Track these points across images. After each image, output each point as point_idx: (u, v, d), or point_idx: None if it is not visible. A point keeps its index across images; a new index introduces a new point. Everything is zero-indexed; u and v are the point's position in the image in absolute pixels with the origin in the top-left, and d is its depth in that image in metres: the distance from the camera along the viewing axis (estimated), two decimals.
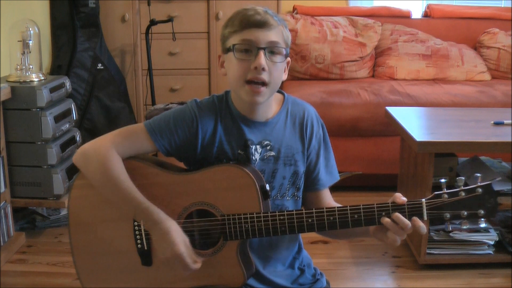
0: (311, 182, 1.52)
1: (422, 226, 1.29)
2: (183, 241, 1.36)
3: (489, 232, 2.51)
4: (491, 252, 2.50)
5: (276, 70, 1.38)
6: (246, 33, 1.36)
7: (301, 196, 1.52)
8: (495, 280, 2.45)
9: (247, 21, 1.36)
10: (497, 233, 2.51)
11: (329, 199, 1.55)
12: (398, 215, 1.29)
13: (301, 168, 1.49)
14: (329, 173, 1.54)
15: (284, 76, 1.45)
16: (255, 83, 1.36)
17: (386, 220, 1.29)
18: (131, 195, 1.38)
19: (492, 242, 2.49)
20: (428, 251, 2.48)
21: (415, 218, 1.29)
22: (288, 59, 1.45)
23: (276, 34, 1.38)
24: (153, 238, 1.40)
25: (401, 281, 2.45)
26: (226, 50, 1.41)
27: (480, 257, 2.50)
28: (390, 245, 1.32)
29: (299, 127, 1.50)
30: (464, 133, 2.48)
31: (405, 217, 1.29)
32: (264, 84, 1.37)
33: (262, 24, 1.36)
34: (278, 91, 1.52)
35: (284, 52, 1.40)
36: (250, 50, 1.36)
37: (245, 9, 1.39)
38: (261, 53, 1.35)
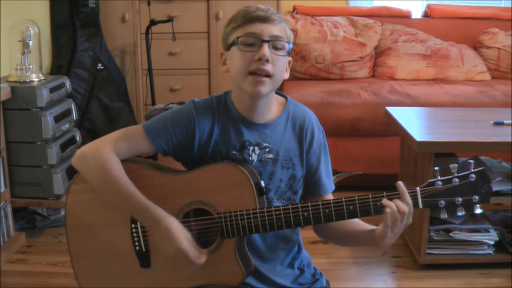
0: (312, 187, 1.52)
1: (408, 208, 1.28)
2: (186, 237, 1.36)
3: (489, 232, 2.51)
4: (491, 252, 2.50)
5: (279, 63, 1.39)
6: (250, 26, 1.37)
7: (298, 201, 1.51)
8: (495, 280, 2.45)
9: (250, 16, 1.38)
10: (497, 233, 2.51)
11: None
12: (395, 200, 1.29)
13: (299, 172, 1.49)
14: (328, 179, 1.54)
15: (286, 75, 1.45)
16: (258, 74, 1.37)
17: (386, 201, 1.29)
18: (131, 195, 1.38)
19: (492, 242, 2.49)
20: (428, 251, 2.48)
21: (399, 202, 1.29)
22: (290, 58, 1.46)
23: (279, 29, 1.39)
24: (154, 237, 1.40)
25: (401, 281, 2.45)
26: (229, 46, 1.42)
27: (480, 257, 2.50)
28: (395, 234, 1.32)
29: (299, 131, 1.49)
30: (464, 133, 2.48)
31: None
32: (267, 75, 1.37)
33: (265, 19, 1.37)
34: (281, 94, 1.53)
35: (287, 47, 1.40)
36: (254, 43, 1.37)
37: (247, 7, 1.40)
38: (265, 45, 1.36)
